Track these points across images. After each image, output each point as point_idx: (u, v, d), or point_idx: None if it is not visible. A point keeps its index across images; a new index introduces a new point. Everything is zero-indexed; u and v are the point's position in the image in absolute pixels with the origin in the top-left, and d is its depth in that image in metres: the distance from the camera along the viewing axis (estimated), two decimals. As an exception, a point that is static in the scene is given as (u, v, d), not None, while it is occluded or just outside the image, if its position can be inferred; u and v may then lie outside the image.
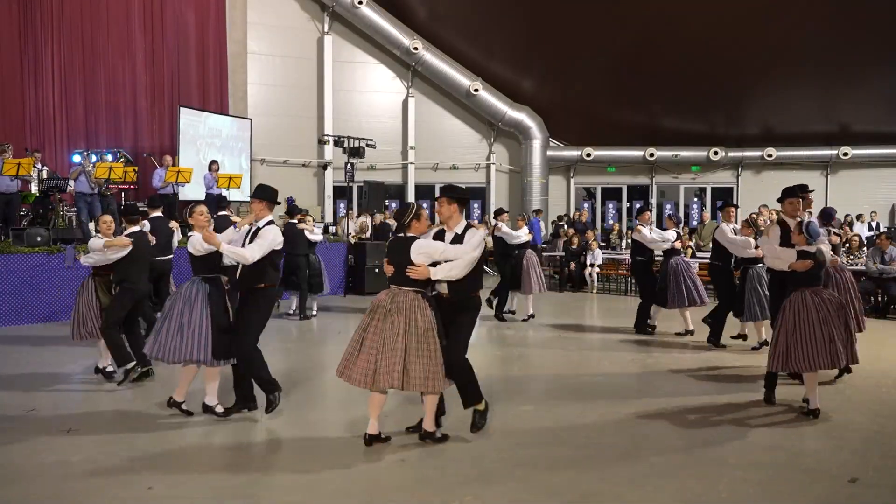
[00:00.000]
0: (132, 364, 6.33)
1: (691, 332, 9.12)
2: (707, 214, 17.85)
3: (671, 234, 9.38)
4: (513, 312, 10.79)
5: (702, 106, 19.07)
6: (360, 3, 18.23)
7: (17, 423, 5.34)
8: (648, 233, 9.24)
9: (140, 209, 7.73)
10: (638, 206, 16.98)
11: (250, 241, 5.25)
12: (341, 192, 18.77)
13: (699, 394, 6.15)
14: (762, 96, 18.48)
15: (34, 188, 11.83)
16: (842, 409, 5.79)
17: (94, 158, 12.62)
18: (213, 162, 13.81)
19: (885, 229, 16.05)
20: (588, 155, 20.21)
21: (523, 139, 19.92)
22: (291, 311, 10.64)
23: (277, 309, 10.15)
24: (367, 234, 14.69)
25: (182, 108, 15.34)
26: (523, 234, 10.46)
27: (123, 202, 13.08)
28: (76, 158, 12.65)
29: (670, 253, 9.31)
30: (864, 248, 12.16)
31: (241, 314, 5.35)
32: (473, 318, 4.93)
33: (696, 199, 21.05)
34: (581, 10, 16.78)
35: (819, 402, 5.53)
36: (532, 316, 10.53)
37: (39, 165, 11.93)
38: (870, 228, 16.64)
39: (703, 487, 4.16)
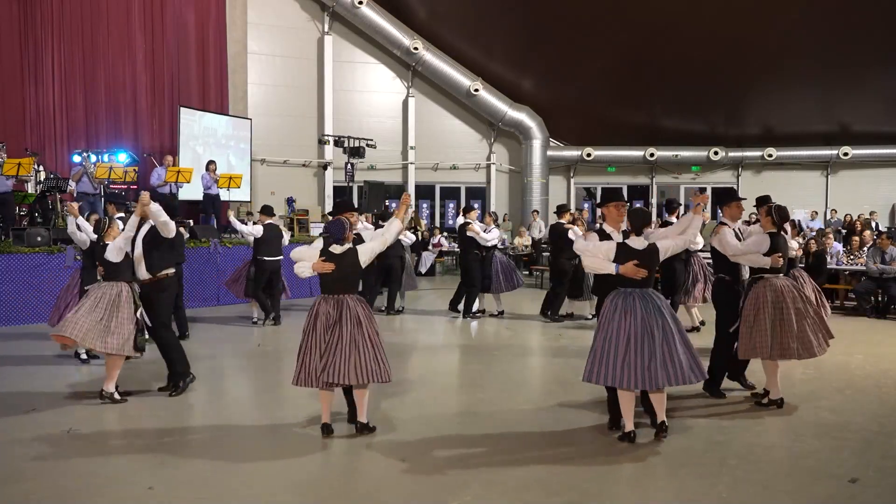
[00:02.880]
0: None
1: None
2: (707, 214, 17.81)
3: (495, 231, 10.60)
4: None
5: (702, 106, 19.07)
6: (360, 3, 18.23)
7: (17, 423, 5.35)
8: (482, 230, 10.32)
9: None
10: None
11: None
12: (341, 192, 18.77)
13: (698, 393, 6.15)
14: (762, 96, 18.48)
15: (30, 189, 11.81)
16: (842, 409, 5.79)
17: (94, 158, 12.61)
18: (211, 162, 13.73)
19: (885, 229, 16.03)
20: (588, 155, 20.21)
21: (523, 139, 19.91)
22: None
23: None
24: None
25: (182, 108, 15.34)
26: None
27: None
28: (76, 158, 12.63)
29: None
30: (865, 249, 12.14)
31: None
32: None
33: (696, 200, 21.05)
34: (581, 10, 16.77)
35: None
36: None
37: (37, 167, 11.92)
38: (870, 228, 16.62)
39: (703, 487, 4.16)
